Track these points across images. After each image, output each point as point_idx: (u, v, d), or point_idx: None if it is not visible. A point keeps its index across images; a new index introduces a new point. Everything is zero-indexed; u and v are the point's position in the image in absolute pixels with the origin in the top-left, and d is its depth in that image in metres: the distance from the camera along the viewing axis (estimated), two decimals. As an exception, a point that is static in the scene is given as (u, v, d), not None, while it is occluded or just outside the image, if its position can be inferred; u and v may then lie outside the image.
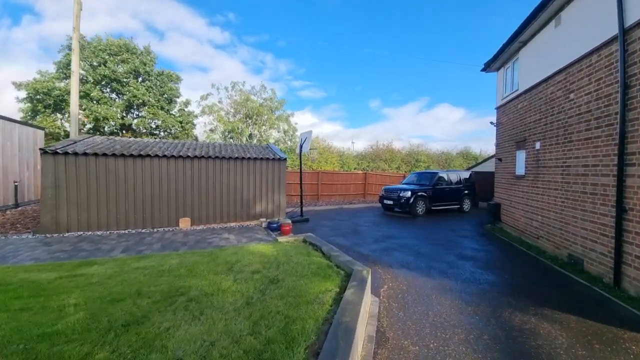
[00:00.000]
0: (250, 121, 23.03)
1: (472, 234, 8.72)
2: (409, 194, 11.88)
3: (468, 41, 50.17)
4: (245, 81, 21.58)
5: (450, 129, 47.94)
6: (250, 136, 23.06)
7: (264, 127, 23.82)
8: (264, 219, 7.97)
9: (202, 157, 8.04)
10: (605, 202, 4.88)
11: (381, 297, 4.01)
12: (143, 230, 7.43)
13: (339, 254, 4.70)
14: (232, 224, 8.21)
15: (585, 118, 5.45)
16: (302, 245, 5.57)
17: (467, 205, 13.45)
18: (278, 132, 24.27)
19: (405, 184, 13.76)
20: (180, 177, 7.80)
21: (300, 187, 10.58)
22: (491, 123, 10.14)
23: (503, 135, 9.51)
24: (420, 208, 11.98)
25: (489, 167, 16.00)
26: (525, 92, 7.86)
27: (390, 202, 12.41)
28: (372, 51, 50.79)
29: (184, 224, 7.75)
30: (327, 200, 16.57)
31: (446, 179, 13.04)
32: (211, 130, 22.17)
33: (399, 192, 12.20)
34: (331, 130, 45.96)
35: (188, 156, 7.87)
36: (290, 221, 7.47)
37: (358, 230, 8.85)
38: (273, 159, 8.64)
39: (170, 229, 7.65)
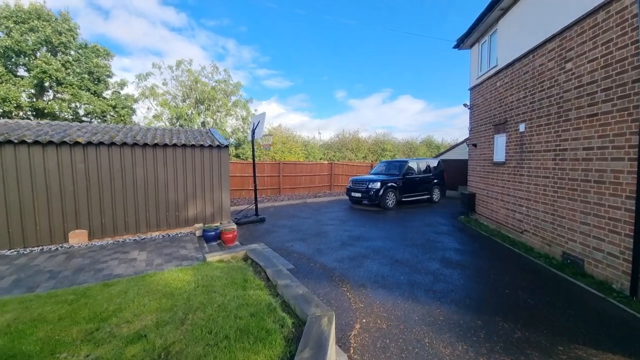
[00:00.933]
0: (202, 107, 20.39)
1: (449, 229, 7.81)
2: (378, 185, 10.77)
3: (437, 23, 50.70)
4: (193, 59, 18.61)
5: (412, 119, 49.24)
6: (203, 124, 20.46)
7: (218, 113, 21.32)
8: (200, 225, 6.23)
9: (106, 144, 5.87)
10: (617, 192, 3.98)
11: (352, 352, 2.63)
12: (7, 253, 5.21)
13: (290, 283, 3.22)
14: (154, 234, 6.26)
15: (589, 90, 4.50)
16: (240, 266, 3.98)
17: (436, 195, 12.77)
18: (236, 119, 21.94)
19: (374, 174, 12.68)
20: (68, 173, 5.61)
21: (254, 181, 8.88)
22: (464, 105, 9.27)
23: (478, 119, 8.66)
24: (391, 200, 10.96)
25: (455, 154, 15.57)
26: (506, 67, 6.93)
27: (359, 195, 11.23)
28: (336, 37, 49.25)
29: (77, 238, 5.68)
30: (290, 194, 15.01)
31: (416, 168, 12.17)
32: (155, 117, 19.16)
33: (367, 183, 11.04)
34: (298, 120, 44.44)
35: (79, 143, 5.64)
36: (234, 226, 5.83)
37: (322, 231, 7.47)
38: (211, 146, 6.48)
39: (53, 248, 5.52)
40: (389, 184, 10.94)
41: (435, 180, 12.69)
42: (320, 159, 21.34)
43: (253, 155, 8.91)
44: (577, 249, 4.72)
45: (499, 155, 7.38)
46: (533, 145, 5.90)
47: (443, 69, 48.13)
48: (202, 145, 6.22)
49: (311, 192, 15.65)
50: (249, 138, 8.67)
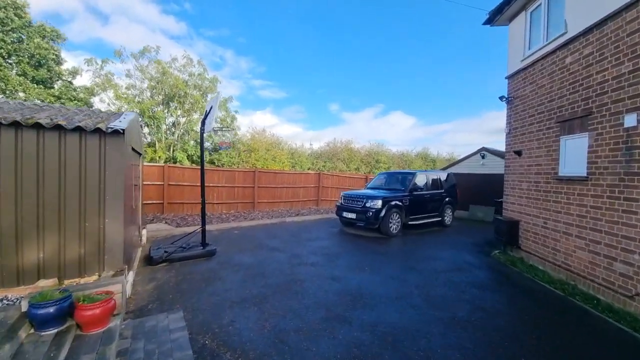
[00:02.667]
0: (174, 105, 17.54)
1: (492, 278, 5.14)
2: (379, 203, 8.08)
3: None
4: (160, 46, 15.72)
5: (403, 134, 48.19)
6: (174, 124, 17.58)
7: (195, 114, 18.48)
8: (51, 282, 3.06)
9: None
10: None
11: None
12: None
13: None
14: None
15: None
16: None
17: (449, 217, 10.18)
18: (215, 122, 19.16)
19: (372, 188, 10.02)
20: None
21: (202, 193, 6.02)
22: (501, 98, 6.80)
23: (525, 115, 6.17)
24: (395, 224, 8.27)
25: (463, 168, 13.13)
26: (587, 32, 4.49)
27: (352, 216, 8.49)
28: (335, 54, 48.11)
29: None
30: (267, 210, 12.15)
31: (424, 182, 9.58)
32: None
33: (364, 200, 8.34)
34: (291, 131, 43.03)
35: None
36: (116, 287, 2.97)
37: (296, 279, 4.65)
38: (84, 130, 3.29)
39: None
40: (393, 203, 8.27)
41: (448, 198, 10.12)
42: (308, 169, 18.64)
43: (202, 155, 6.09)
44: None
45: (572, 166, 4.84)
46: (665, 148, 3.36)
47: (435, 87, 47.29)
48: (72, 130, 3.10)
49: (293, 208, 12.83)
50: (203, 129, 5.87)
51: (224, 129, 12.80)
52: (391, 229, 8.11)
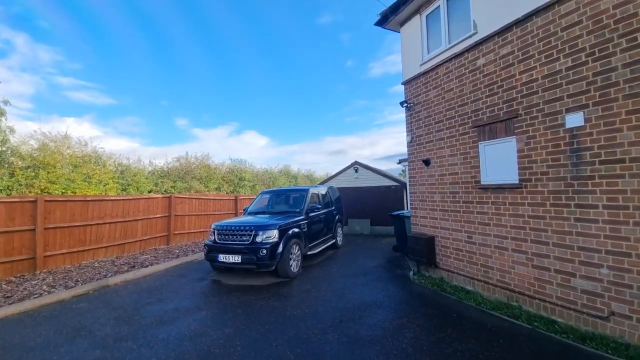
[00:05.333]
0: None
1: (428, 314, 3.94)
2: (274, 235, 5.74)
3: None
4: None
5: (258, 153, 48.37)
6: None
7: None
8: None
9: None
10: None
11: None
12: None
13: None
14: None
15: None
16: None
17: (340, 236, 9.14)
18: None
19: (255, 213, 7.49)
20: None
21: None
22: (402, 104, 6.25)
23: (430, 121, 5.74)
24: (296, 260, 6.13)
25: (338, 182, 12.93)
26: (505, 31, 4.26)
27: (236, 259, 5.66)
28: (178, 59, 41.67)
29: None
30: (69, 264, 7.03)
31: (318, 199, 8.07)
32: None
33: (252, 232, 5.75)
34: (125, 146, 32.92)
35: None
36: None
37: None
38: None
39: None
40: (291, 231, 6.15)
41: (338, 216, 9.10)
42: (150, 192, 13.45)
43: None
44: None
45: (498, 173, 4.45)
46: (614, 148, 3.09)
47: (286, 110, 50.42)
48: None
49: (125, 255, 8.16)
50: None
51: None
52: (291, 268, 5.91)
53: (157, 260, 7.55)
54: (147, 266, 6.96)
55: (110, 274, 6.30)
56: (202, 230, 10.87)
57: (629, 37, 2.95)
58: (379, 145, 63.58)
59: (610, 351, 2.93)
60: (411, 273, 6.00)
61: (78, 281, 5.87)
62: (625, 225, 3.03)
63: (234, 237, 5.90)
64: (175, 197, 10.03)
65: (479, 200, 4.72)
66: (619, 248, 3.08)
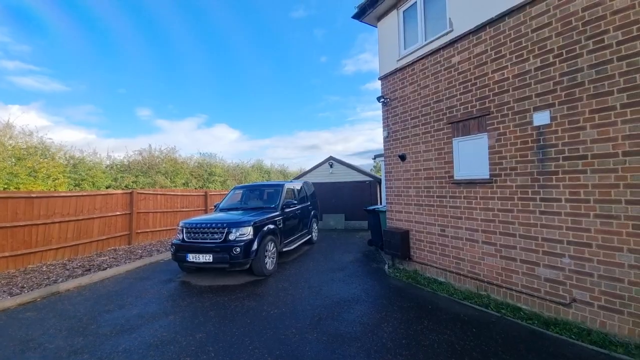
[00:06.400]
0: None
1: (406, 306, 4.01)
2: (248, 231, 5.49)
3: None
4: None
5: (229, 147, 46.86)
6: None
7: None
8: None
9: None
10: None
11: None
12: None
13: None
14: None
15: None
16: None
17: (315, 232, 9.07)
18: None
19: (227, 209, 7.13)
20: None
21: None
22: (379, 99, 6.25)
23: (405, 117, 5.80)
24: (271, 257, 5.94)
25: (312, 178, 12.82)
26: (479, 29, 4.37)
27: (207, 258, 5.33)
28: (136, 43, 38.58)
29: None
30: (13, 270, 6.22)
31: (293, 194, 7.89)
32: None
33: (225, 229, 5.46)
34: (79, 138, 29.90)
35: None
36: None
37: None
38: None
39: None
40: (266, 228, 5.93)
41: (313, 211, 9.01)
42: (108, 187, 12.34)
43: None
44: None
45: (470, 168, 4.60)
46: (577, 145, 3.30)
47: (257, 103, 49.21)
48: None
49: (79, 257, 7.40)
50: None
51: None
52: (267, 266, 5.72)
53: (117, 262, 6.93)
54: (105, 269, 6.35)
55: (61, 279, 5.65)
56: (168, 228, 10.20)
57: (596, 39, 3.14)
58: (352, 142, 64.49)
59: (573, 336, 3.15)
60: (386, 266, 6.09)
61: (24, 287, 5.19)
62: (586, 218, 3.26)
63: (205, 235, 5.55)
64: (138, 192, 9.28)
65: (452, 194, 4.87)
66: (580, 239, 3.31)
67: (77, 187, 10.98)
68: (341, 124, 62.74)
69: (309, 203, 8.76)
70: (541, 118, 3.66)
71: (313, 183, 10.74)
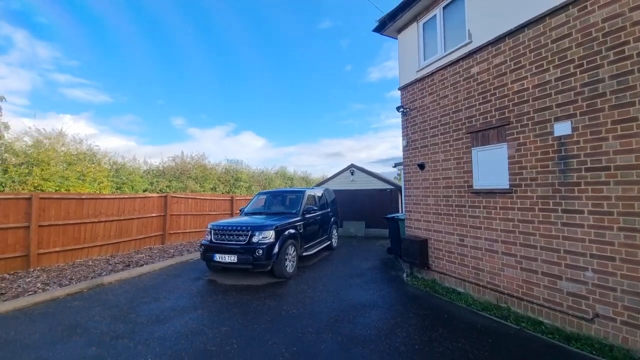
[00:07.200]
0: None
1: (422, 315, 4.03)
2: (271, 235, 5.81)
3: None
4: None
5: (255, 154, 48.35)
6: None
7: None
8: None
9: None
10: None
11: None
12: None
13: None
14: None
15: None
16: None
17: (335, 238, 9.23)
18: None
19: (251, 213, 7.54)
20: None
21: None
22: (398, 109, 6.38)
23: (425, 126, 5.87)
24: (291, 261, 6.20)
25: (335, 185, 13.02)
26: (498, 41, 4.41)
27: (232, 259, 5.71)
28: (175, 58, 41.70)
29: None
30: (62, 263, 7.00)
31: (314, 201, 8.16)
32: None
33: (249, 232, 5.82)
34: (121, 145, 33.00)
35: None
36: None
37: None
38: None
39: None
40: (287, 232, 6.22)
41: (333, 218, 9.19)
42: (145, 191, 13.40)
43: None
44: None
45: (490, 178, 4.59)
46: (599, 156, 3.24)
47: (284, 111, 50.58)
48: None
49: (120, 254, 8.14)
50: None
51: None
52: (287, 268, 5.98)
53: (153, 260, 7.55)
54: (142, 265, 6.96)
55: (104, 273, 6.29)
56: (197, 230, 10.85)
57: (617, 49, 3.11)
58: (375, 149, 63.92)
59: (594, 352, 3.06)
60: (404, 275, 6.11)
61: (72, 279, 5.85)
62: (609, 231, 3.17)
63: (231, 237, 5.95)
64: (171, 196, 10.02)
65: (471, 204, 4.86)
66: (603, 252, 3.22)
67: (118, 190, 12.06)
68: (365, 132, 62.57)
69: (329, 210, 8.97)
70: (562, 128, 3.62)
71: (334, 190, 10.95)
